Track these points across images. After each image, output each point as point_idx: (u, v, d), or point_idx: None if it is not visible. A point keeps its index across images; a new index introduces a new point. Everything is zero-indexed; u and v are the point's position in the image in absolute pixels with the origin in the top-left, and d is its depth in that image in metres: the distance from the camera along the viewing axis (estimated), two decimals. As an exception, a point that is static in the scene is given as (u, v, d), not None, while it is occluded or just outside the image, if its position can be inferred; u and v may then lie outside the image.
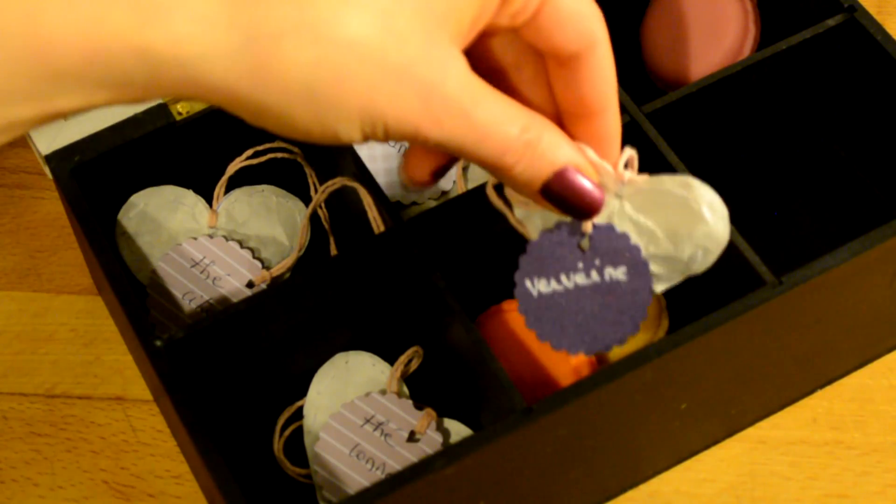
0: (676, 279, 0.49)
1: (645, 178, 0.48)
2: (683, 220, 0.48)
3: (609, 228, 0.49)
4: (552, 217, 0.49)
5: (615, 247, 0.49)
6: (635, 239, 0.49)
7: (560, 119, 0.45)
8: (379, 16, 0.37)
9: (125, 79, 0.36)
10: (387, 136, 0.40)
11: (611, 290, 0.49)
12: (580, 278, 0.49)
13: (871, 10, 0.62)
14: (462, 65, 0.40)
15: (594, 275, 0.49)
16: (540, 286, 0.50)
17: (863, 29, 0.60)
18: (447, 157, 0.45)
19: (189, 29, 0.36)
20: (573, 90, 0.44)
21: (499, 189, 0.50)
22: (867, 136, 0.65)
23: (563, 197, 0.44)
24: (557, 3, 0.41)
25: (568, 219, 0.49)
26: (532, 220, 0.51)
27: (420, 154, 0.45)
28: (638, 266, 0.49)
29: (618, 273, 0.49)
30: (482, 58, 0.44)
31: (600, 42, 0.42)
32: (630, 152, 0.47)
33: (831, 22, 0.61)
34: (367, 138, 0.40)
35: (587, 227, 0.49)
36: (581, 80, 0.43)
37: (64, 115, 0.37)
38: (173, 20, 0.36)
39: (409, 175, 0.45)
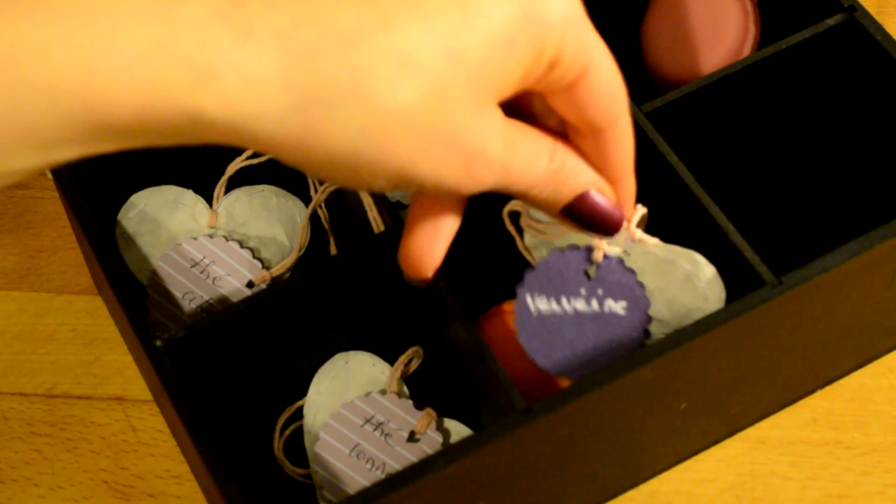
0: (659, 336, 0.51)
1: (656, 241, 0.49)
2: (682, 293, 0.50)
3: (618, 262, 0.50)
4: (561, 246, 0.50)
5: (620, 281, 0.50)
6: None
7: None
8: (434, 84, 0.37)
9: (170, 132, 0.36)
10: (420, 190, 0.41)
11: (608, 321, 0.50)
12: (580, 304, 0.51)
13: (871, 10, 0.62)
14: (502, 120, 0.41)
15: (594, 304, 0.51)
16: (540, 304, 0.51)
17: (862, 29, 0.60)
18: (447, 244, 0.46)
19: (242, 91, 0.36)
20: (592, 158, 0.45)
21: (512, 216, 0.52)
22: (867, 136, 0.65)
23: (583, 217, 0.45)
24: (592, 80, 0.42)
25: (580, 243, 0.50)
26: (539, 249, 0.52)
27: (421, 250, 0.46)
28: (639, 304, 0.50)
29: (617, 307, 0.50)
30: (512, 103, 0.44)
31: (622, 120, 0.44)
32: (643, 211, 0.48)
33: (831, 22, 0.61)
34: (398, 190, 0.41)
35: (598, 255, 0.50)
36: (599, 153, 0.44)
37: (101, 155, 0.37)
38: (227, 82, 0.35)
39: (412, 272, 0.46)
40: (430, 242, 0.45)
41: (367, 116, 0.37)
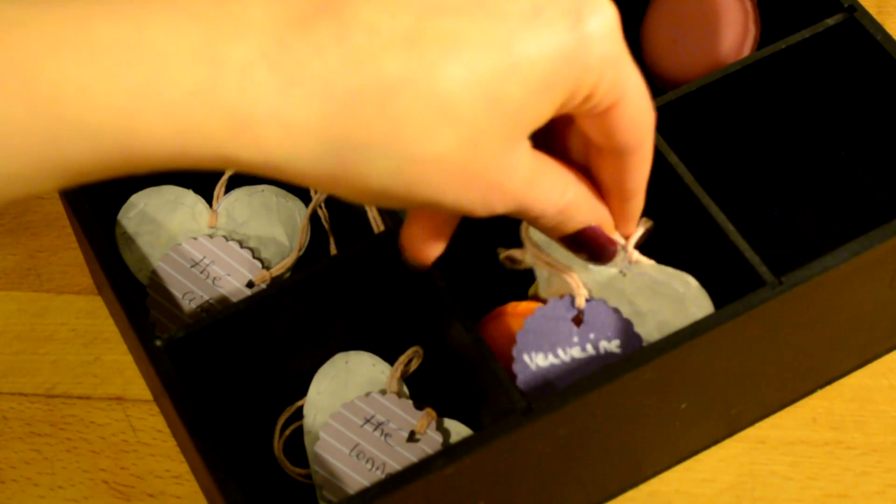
0: None
1: (651, 263, 0.50)
2: (674, 315, 0.50)
3: (600, 304, 0.51)
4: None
5: (607, 321, 0.51)
6: (626, 315, 0.50)
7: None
8: (469, 132, 0.38)
9: (199, 166, 0.37)
10: (436, 211, 0.42)
11: (606, 362, 0.51)
12: (576, 352, 0.51)
13: (871, 10, 0.62)
14: (528, 156, 0.41)
15: (589, 348, 0.51)
16: (538, 360, 0.52)
17: (862, 29, 0.60)
18: (450, 234, 0.46)
19: (279, 138, 0.36)
20: (610, 176, 0.45)
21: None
22: (867, 136, 0.65)
23: (580, 245, 0.46)
24: (623, 110, 0.42)
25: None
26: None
27: (423, 239, 0.46)
28: (631, 340, 0.51)
29: (612, 346, 0.51)
30: None
31: (646, 146, 0.44)
32: (641, 230, 0.49)
33: (831, 22, 0.61)
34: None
35: (581, 302, 0.50)
36: (617, 173, 0.45)
37: None
38: (266, 130, 0.36)
39: (413, 258, 0.47)
40: (435, 232, 0.46)
41: (402, 162, 0.37)
